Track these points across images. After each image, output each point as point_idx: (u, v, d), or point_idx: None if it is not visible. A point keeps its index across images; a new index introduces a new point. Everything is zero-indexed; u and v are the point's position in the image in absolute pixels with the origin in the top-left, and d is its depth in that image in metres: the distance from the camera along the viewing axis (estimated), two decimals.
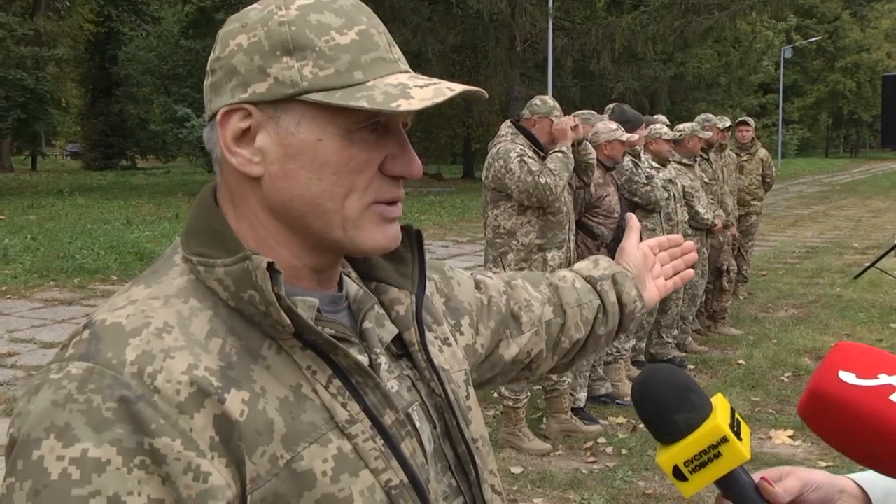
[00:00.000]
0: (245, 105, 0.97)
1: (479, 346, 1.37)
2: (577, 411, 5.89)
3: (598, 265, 1.59)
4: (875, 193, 28.72)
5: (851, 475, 1.21)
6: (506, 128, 5.43)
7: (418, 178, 1.05)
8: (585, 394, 5.98)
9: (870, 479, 1.19)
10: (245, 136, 0.98)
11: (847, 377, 1.06)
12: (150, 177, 36.20)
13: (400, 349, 1.12)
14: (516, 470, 5.10)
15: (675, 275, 1.65)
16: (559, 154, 5.16)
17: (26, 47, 30.89)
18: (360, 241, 1.01)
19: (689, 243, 1.67)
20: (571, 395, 5.92)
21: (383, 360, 1.07)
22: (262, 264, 0.92)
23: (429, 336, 1.17)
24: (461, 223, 18.95)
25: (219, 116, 0.99)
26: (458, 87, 0.98)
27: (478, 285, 1.43)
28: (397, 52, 1.03)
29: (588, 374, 6.01)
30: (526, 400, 5.47)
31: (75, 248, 13.04)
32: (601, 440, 5.58)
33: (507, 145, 5.24)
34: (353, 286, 1.12)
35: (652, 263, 1.62)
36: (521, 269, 5.26)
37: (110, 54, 43.68)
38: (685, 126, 7.64)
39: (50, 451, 0.83)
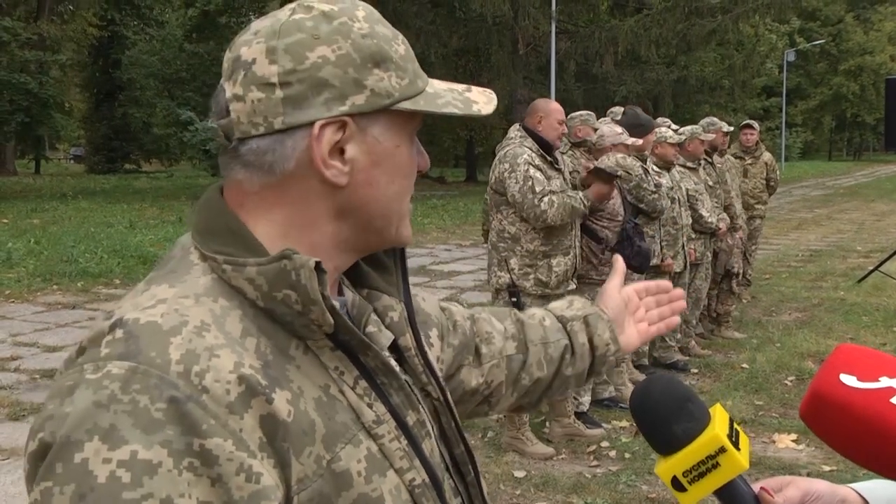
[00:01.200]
0: (343, 118, 0.99)
1: (443, 363, 1.36)
2: (580, 415, 5.88)
3: (571, 305, 1.55)
4: (878, 196, 28.70)
5: (852, 484, 1.20)
6: (514, 131, 5.44)
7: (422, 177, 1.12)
8: (589, 397, 5.97)
9: (871, 488, 1.19)
10: (335, 147, 1.00)
11: (848, 380, 1.06)
12: (153, 180, 36.23)
13: (394, 354, 1.13)
14: (519, 474, 5.09)
15: (660, 321, 1.60)
16: (577, 203, 5.20)
17: (30, 51, 30.91)
18: (405, 235, 1.09)
19: (678, 290, 1.63)
20: (574, 398, 5.91)
21: (393, 363, 1.08)
22: (309, 263, 0.93)
23: (427, 342, 1.22)
24: (464, 226, 18.94)
25: (315, 130, 0.98)
26: (490, 93, 1.10)
27: (442, 309, 1.43)
28: None
29: (592, 379, 5.99)
30: None
31: (78, 252, 13.04)
32: (604, 444, 5.57)
33: (516, 149, 5.26)
34: (349, 293, 1.14)
35: (635, 307, 1.57)
36: (527, 274, 5.26)
37: (114, 58, 43.78)
38: (686, 129, 7.64)
39: (95, 454, 0.81)
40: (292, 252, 0.94)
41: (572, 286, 5.41)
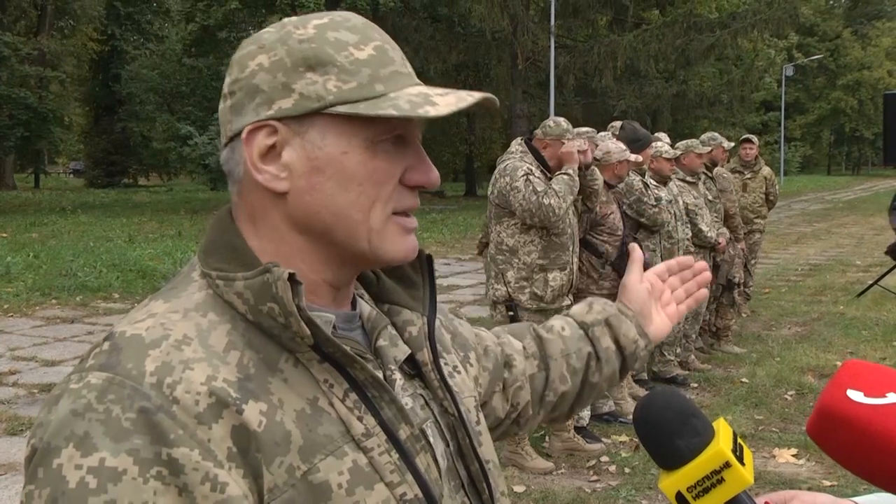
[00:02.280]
0: (270, 122, 0.99)
1: (481, 386, 1.37)
2: (580, 430, 5.87)
3: (591, 309, 1.51)
4: (877, 211, 28.67)
5: (855, 498, 1.20)
6: (516, 145, 5.44)
7: (435, 188, 1.08)
8: (589, 412, 5.95)
9: (874, 502, 1.19)
10: (270, 152, 1.00)
11: (855, 395, 1.06)
12: (152, 194, 36.30)
13: (412, 369, 1.13)
14: (519, 489, 5.08)
15: (687, 297, 1.57)
16: (564, 177, 5.15)
17: (30, 66, 31.04)
18: (385, 250, 1.04)
19: (701, 263, 1.60)
20: None
21: (398, 377, 1.09)
22: (284, 275, 0.94)
23: (444, 360, 1.20)
24: (463, 241, 18.95)
25: (244, 135, 1.00)
26: (477, 94, 1.01)
27: (475, 334, 1.43)
28: (410, 67, 1.06)
29: None
30: None
31: (77, 266, 13.04)
32: (604, 459, 5.55)
33: (515, 162, 5.24)
34: (366, 307, 1.14)
35: (661, 291, 1.54)
36: (522, 287, 5.24)
37: (113, 73, 43.91)
38: (681, 143, 7.67)
39: (69, 460, 0.85)
40: (273, 265, 0.95)
41: (568, 302, 5.40)
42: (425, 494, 1.00)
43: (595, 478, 5.28)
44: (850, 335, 8.96)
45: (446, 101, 0.99)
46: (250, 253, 1.01)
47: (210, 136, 30.36)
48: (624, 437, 5.91)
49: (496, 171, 5.36)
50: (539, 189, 5.06)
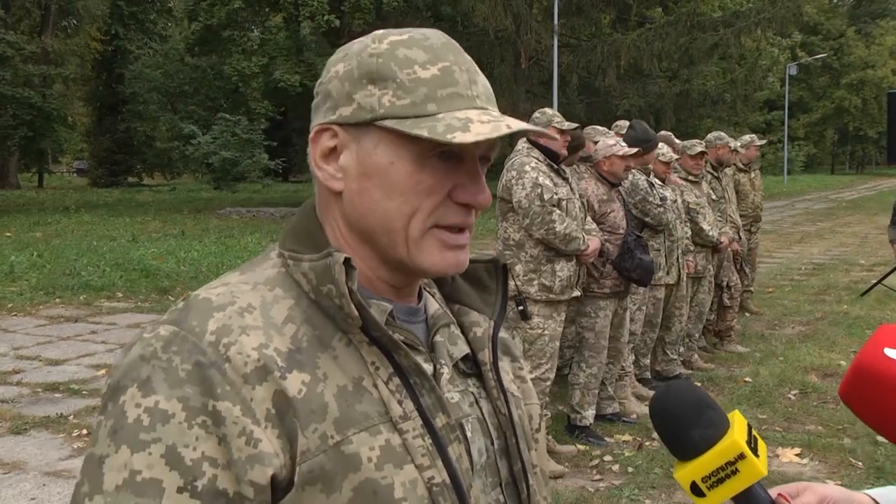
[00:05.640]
0: (333, 125, 1.08)
1: None
2: (584, 429, 5.87)
3: None
4: (881, 210, 28.63)
5: (867, 490, 1.20)
6: (521, 143, 5.54)
7: (484, 208, 1.12)
8: (594, 412, 5.95)
9: (885, 494, 1.19)
10: (332, 154, 1.09)
11: (894, 354, 1.07)
12: (155, 194, 36.32)
13: (471, 368, 1.19)
14: None
15: None
16: (578, 242, 5.27)
17: (34, 66, 31.06)
18: (421, 261, 1.09)
19: None
20: (577, 412, 5.90)
21: (446, 372, 1.13)
22: (340, 259, 1.03)
23: (504, 364, 1.26)
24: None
25: (312, 134, 1.10)
26: (516, 125, 1.05)
27: None
28: (478, 90, 1.09)
29: (597, 393, 5.98)
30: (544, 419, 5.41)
31: (81, 266, 13.06)
32: (607, 458, 5.54)
33: (522, 158, 5.38)
34: (433, 304, 1.20)
35: None
36: (531, 279, 5.27)
37: (117, 72, 43.92)
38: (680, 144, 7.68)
39: (131, 398, 0.96)
40: (335, 249, 1.05)
41: (577, 293, 5.42)
42: (453, 481, 1.05)
43: (598, 477, 5.28)
44: (853, 334, 8.94)
45: (480, 129, 1.02)
46: (323, 238, 1.11)
47: (213, 135, 30.37)
48: (627, 437, 5.90)
49: (504, 169, 5.48)
50: (546, 197, 5.20)
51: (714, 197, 7.98)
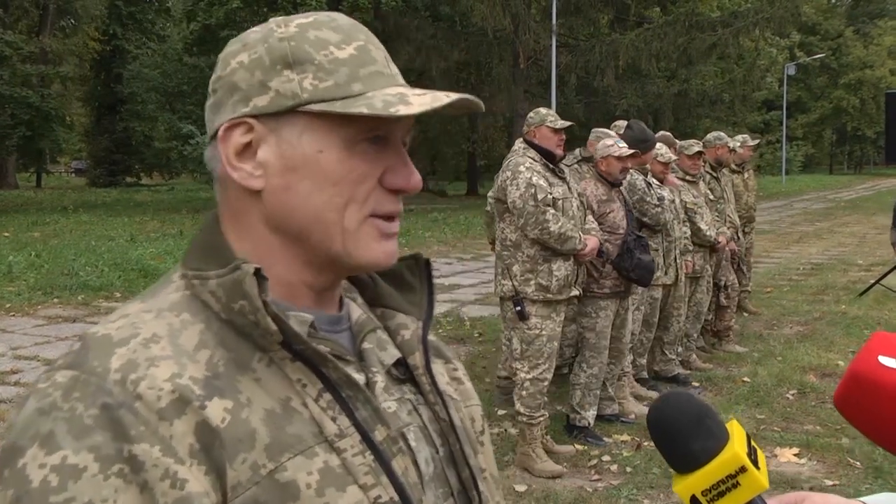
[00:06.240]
0: (247, 119, 0.99)
1: None
2: (582, 429, 5.87)
3: None
4: (879, 210, 28.66)
5: (864, 498, 1.20)
6: (518, 143, 5.58)
7: (417, 193, 1.06)
8: (594, 412, 5.95)
9: (882, 501, 1.19)
10: (247, 150, 1.00)
11: (888, 361, 1.06)
12: (154, 194, 36.30)
13: (404, 374, 1.11)
14: (521, 488, 5.08)
15: None
16: (575, 242, 5.25)
17: (32, 65, 30.99)
18: (358, 254, 1.02)
19: None
20: (577, 412, 5.89)
21: (380, 380, 1.06)
22: (250, 270, 0.94)
23: (437, 366, 1.17)
24: (465, 240, 18.94)
25: (220, 132, 1.01)
26: (454, 95, 0.99)
27: None
28: (395, 68, 1.05)
29: (598, 393, 5.97)
30: (542, 419, 5.42)
31: (79, 265, 13.04)
32: (606, 458, 5.55)
33: (518, 158, 5.41)
34: (356, 310, 1.12)
35: None
36: (528, 279, 5.28)
37: (115, 72, 43.87)
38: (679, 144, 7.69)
39: (33, 459, 0.84)
40: (242, 261, 0.96)
41: (575, 292, 5.42)
42: (402, 498, 0.98)
43: (597, 477, 5.28)
44: (851, 334, 8.95)
45: (421, 101, 0.97)
46: (229, 251, 1.01)
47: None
48: (626, 437, 5.90)
49: (500, 169, 5.55)
50: (539, 197, 5.21)
51: (712, 197, 7.99)
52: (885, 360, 1.07)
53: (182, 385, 0.90)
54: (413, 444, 1.04)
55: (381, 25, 29.45)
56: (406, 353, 1.12)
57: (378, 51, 1.03)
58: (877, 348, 1.09)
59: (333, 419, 0.96)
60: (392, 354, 1.10)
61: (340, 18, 1.04)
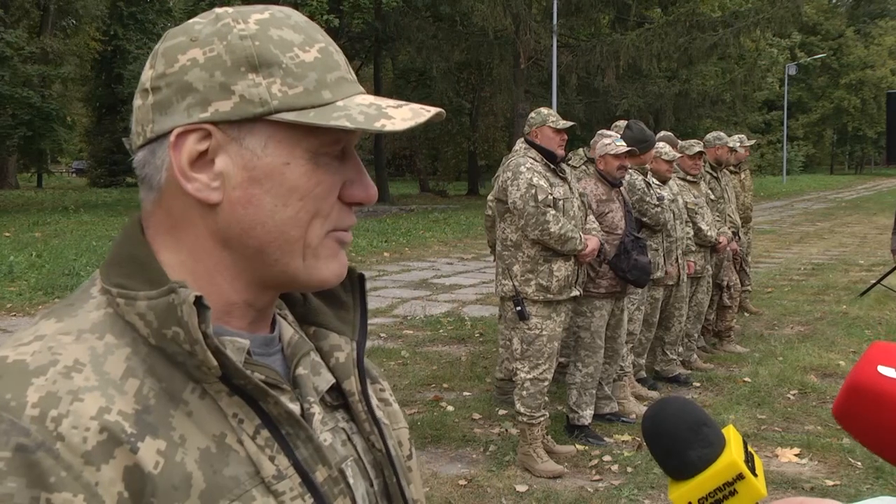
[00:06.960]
0: (204, 125, 0.89)
1: None
2: (582, 429, 5.87)
3: None
4: (880, 210, 28.68)
5: (861, 502, 1.20)
6: (519, 143, 5.59)
7: (372, 204, 1.00)
8: (591, 411, 5.95)
9: None
10: (201, 159, 0.90)
11: (887, 371, 1.06)
12: None
13: (337, 399, 1.03)
14: (521, 488, 5.07)
15: None
16: (576, 243, 5.24)
17: (33, 66, 30.98)
18: (318, 272, 0.95)
19: None
20: (575, 412, 5.89)
21: (317, 411, 0.98)
22: (190, 297, 0.84)
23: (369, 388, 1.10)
24: (466, 240, 18.95)
25: (172, 138, 0.89)
26: (433, 110, 0.93)
27: None
28: (353, 73, 0.98)
29: (594, 392, 5.98)
30: (542, 419, 5.42)
31: (80, 266, 13.05)
32: (606, 458, 5.54)
33: (518, 159, 5.41)
34: (288, 329, 1.03)
35: None
36: (528, 280, 5.28)
37: (116, 73, 43.86)
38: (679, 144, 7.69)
39: None
40: (179, 285, 0.86)
41: (576, 293, 5.42)
42: None
43: (597, 477, 5.28)
44: (852, 335, 8.95)
45: (402, 115, 0.90)
46: (158, 268, 0.90)
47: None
48: (626, 437, 5.90)
49: (500, 169, 5.57)
50: (540, 198, 5.21)
51: (713, 197, 7.98)
52: (884, 370, 1.07)
53: (111, 422, 0.79)
54: (351, 481, 0.98)
55: (381, 26, 29.49)
56: (340, 378, 1.04)
57: (338, 54, 0.96)
58: (876, 358, 1.09)
59: (272, 458, 0.88)
60: (326, 380, 1.02)
61: (296, 16, 0.95)
